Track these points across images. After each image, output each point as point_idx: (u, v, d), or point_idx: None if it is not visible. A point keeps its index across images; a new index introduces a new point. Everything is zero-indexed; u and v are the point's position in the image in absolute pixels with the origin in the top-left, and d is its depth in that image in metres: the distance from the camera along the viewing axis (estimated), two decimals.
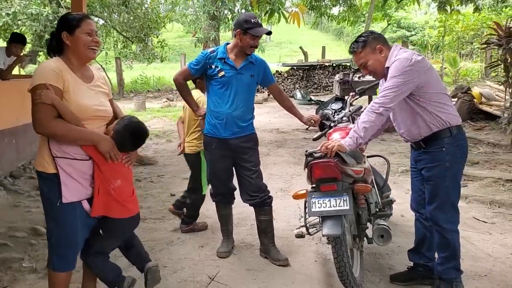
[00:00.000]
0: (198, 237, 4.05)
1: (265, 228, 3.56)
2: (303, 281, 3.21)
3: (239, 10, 18.24)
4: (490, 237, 3.99)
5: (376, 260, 3.54)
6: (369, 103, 11.02)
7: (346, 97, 4.33)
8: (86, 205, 2.41)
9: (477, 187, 5.42)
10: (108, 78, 19.88)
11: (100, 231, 2.53)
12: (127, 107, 14.67)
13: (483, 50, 11.15)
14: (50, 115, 2.23)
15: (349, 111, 4.06)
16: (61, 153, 2.30)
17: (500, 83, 6.97)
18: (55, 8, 14.02)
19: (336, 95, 10.14)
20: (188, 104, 3.68)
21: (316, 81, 18.06)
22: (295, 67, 18.68)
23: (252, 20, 3.32)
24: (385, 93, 2.72)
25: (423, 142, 2.86)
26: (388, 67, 2.83)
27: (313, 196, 2.96)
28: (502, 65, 6.72)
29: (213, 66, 3.40)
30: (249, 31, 3.29)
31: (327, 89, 17.73)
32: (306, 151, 3.18)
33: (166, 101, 16.16)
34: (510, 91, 6.73)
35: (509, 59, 6.47)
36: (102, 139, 2.37)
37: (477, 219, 4.42)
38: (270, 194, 3.58)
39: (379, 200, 3.57)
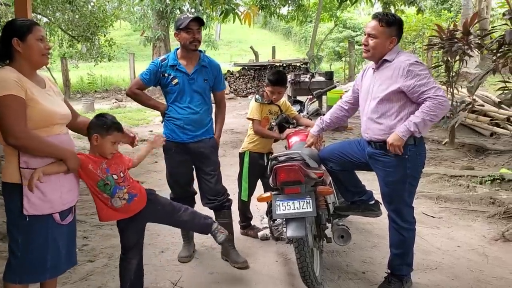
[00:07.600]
0: (158, 242, 4.01)
1: None
2: (266, 282, 3.28)
3: (189, 10, 18.04)
4: (438, 231, 4.23)
5: (334, 258, 3.66)
6: (320, 105, 11.27)
7: (305, 100, 4.44)
8: (57, 218, 2.37)
9: (424, 183, 5.70)
10: (54, 78, 19.11)
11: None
12: (75, 109, 14.13)
13: (425, 51, 11.65)
14: (25, 124, 2.18)
15: (307, 113, 4.18)
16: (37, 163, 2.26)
17: (442, 83, 7.34)
18: None
19: (288, 95, 10.27)
20: (152, 107, 3.61)
21: None
22: (246, 67, 18.75)
23: (182, 17, 3.39)
24: (435, 85, 2.72)
25: (385, 144, 2.84)
26: (385, 60, 2.86)
27: (278, 199, 3.03)
28: (444, 66, 7.09)
29: (166, 75, 3.40)
30: (180, 27, 3.33)
31: None
32: (270, 155, 3.26)
33: (116, 102, 15.72)
34: (451, 91, 7.11)
35: (450, 60, 6.84)
36: (70, 156, 2.40)
37: (426, 214, 4.66)
38: (229, 197, 3.61)
39: (336, 201, 3.70)
